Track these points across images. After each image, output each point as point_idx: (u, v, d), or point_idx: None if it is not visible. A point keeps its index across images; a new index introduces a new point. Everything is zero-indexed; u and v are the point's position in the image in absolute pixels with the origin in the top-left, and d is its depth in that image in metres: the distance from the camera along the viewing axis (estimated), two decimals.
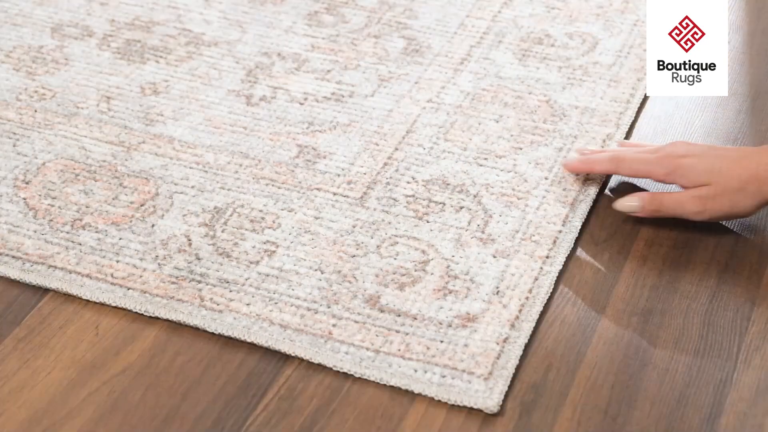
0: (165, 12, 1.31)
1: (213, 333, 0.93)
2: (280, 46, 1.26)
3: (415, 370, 0.90)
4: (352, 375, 0.90)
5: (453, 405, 0.87)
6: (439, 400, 0.88)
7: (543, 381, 0.89)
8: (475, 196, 1.06)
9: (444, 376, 0.89)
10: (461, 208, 1.05)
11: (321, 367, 0.91)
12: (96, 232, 1.02)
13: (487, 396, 0.87)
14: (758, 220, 1.04)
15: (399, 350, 0.91)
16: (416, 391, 0.88)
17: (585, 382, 0.89)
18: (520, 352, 0.91)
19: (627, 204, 1.01)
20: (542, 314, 0.95)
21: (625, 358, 0.91)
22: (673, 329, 0.93)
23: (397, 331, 0.93)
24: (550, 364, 0.91)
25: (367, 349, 0.91)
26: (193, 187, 1.07)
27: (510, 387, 0.89)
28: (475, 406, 0.87)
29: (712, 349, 0.92)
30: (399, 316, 0.94)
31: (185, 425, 0.86)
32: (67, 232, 1.02)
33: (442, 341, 0.92)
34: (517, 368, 0.90)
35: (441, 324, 0.93)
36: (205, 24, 1.30)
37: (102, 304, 0.96)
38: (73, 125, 1.14)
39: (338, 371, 0.90)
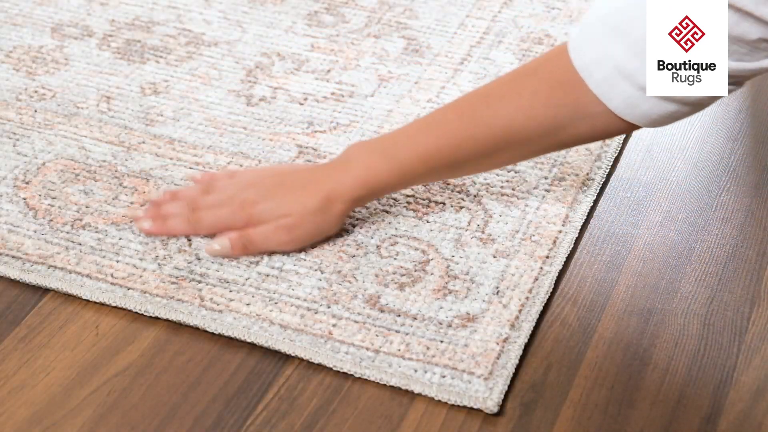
0: (165, 12, 1.31)
1: (213, 333, 0.93)
2: (280, 46, 1.26)
3: (415, 370, 0.90)
4: (352, 375, 0.90)
5: (453, 405, 0.87)
6: (439, 400, 0.88)
7: (543, 381, 0.89)
8: (475, 196, 1.06)
9: (444, 376, 0.89)
10: (461, 208, 1.05)
11: (321, 367, 0.91)
12: (96, 232, 1.02)
13: (487, 396, 0.87)
14: (758, 220, 1.04)
15: (399, 350, 0.91)
16: (416, 391, 0.88)
17: (585, 382, 0.89)
18: (520, 352, 0.91)
19: (216, 247, 0.98)
20: (542, 314, 0.95)
21: (625, 358, 0.91)
22: (673, 329, 0.93)
23: (397, 331, 0.93)
24: (550, 364, 0.91)
25: (367, 349, 0.91)
26: None
27: (510, 387, 0.89)
28: (475, 406, 0.87)
29: (712, 349, 0.92)
30: (399, 316, 0.94)
31: (185, 425, 0.86)
32: (67, 232, 1.02)
33: (442, 341, 0.92)
34: (517, 368, 0.90)
35: (441, 324, 0.93)
36: (205, 24, 1.30)
37: (102, 304, 0.96)
38: (73, 125, 1.14)
39: (338, 371, 0.90)
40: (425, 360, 0.90)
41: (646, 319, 0.94)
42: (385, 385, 0.89)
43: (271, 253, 0.99)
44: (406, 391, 0.89)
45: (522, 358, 0.91)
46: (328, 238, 1.00)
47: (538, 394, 0.88)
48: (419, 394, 0.88)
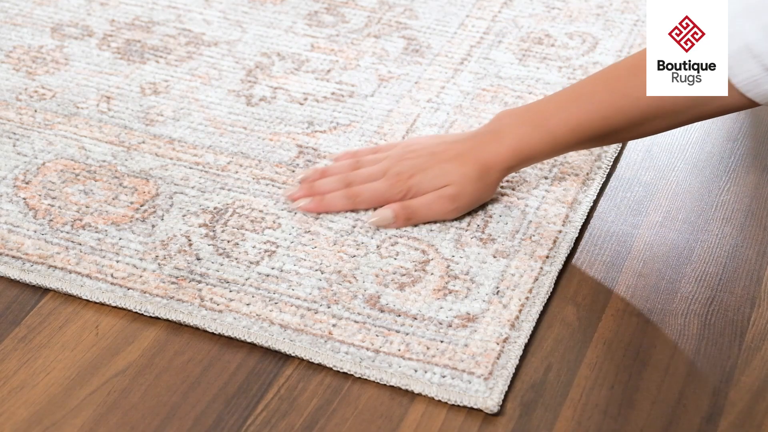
0: (165, 12, 1.31)
1: (213, 333, 0.93)
2: (280, 46, 1.26)
3: (415, 370, 0.90)
4: (352, 375, 0.90)
5: (453, 405, 0.87)
6: (439, 401, 0.88)
7: (543, 381, 0.89)
8: None
9: (444, 376, 0.89)
10: None
11: (321, 367, 0.91)
12: (96, 232, 1.02)
13: (487, 396, 0.87)
14: (758, 220, 1.04)
15: (399, 350, 0.91)
16: (416, 391, 0.88)
17: (585, 382, 0.89)
18: (520, 352, 0.91)
19: (380, 217, 1.02)
20: (542, 314, 0.95)
21: (625, 358, 0.91)
22: (673, 329, 0.93)
23: (397, 331, 0.93)
24: (550, 364, 0.91)
25: (367, 349, 0.91)
26: (193, 187, 1.07)
27: (510, 387, 0.89)
28: (475, 406, 0.87)
29: (712, 349, 0.92)
30: (399, 316, 0.94)
31: (185, 425, 0.86)
32: (67, 232, 1.02)
33: (442, 341, 0.92)
34: (517, 368, 0.90)
35: (441, 324, 0.93)
36: (205, 24, 1.30)
37: (102, 304, 0.96)
38: (73, 125, 1.14)
39: (338, 371, 0.90)
40: (425, 360, 0.90)
41: (646, 319, 0.94)
42: (385, 385, 0.89)
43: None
44: (406, 391, 0.89)
45: (522, 358, 0.91)
46: (482, 205, 1.04)
47: (538, 394, 0.88)
48: (419, 394, 0.88)
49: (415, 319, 0.94)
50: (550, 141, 1.00)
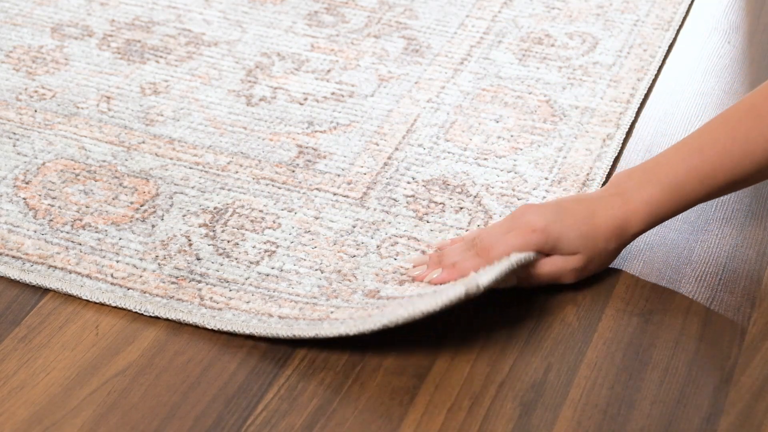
0: (165, 12, 1.31)
1: (213, 331, 0.93)
2: (280, 46, 1.26)
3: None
4: (352, 375, 0.90)
5: (453, 406, 0.87)
6: (440, 401, 0.88)
7: (543, 381, 0.89)
8: (475, 197, 1.06)
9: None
10: (461, 208, 1.04)
11: (321, 367, 0.90)
12: (96, 232, 1.02)
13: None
14: (758, 220, 1.04)
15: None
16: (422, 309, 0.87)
17: (585, 382, 0.89)
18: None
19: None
20: (542, 314, 0.95)
21: (625, 358, 0.91)
22: (673, 329, 0.93)
23: None
24: (550, 364, 0.91)
25: (369, 316, 0.90)
26: (193, 187, 1.07)
27: (510, 387, 0.89)
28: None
29: (712, 349, 0.92)
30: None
31: (185, 425, 0.86)
32: (67, 232, 1.02)
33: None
34: (517, 368, 0.90)
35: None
36: (205, 24, 1.30)
37: (102, 304, 0.96)
38: (73, 125, 1.14)
39: (338, 371, 0.90)
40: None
41: (646, 319, 0.94)
42: (385, 385, 0.89)
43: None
44: (406, 390, 0.88)
45: (522, 358, 0.91)
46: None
47: (538, 394, 0.88)
48: (419, 394, 0.88)
49: None
50: (680, 199, 0.94)
